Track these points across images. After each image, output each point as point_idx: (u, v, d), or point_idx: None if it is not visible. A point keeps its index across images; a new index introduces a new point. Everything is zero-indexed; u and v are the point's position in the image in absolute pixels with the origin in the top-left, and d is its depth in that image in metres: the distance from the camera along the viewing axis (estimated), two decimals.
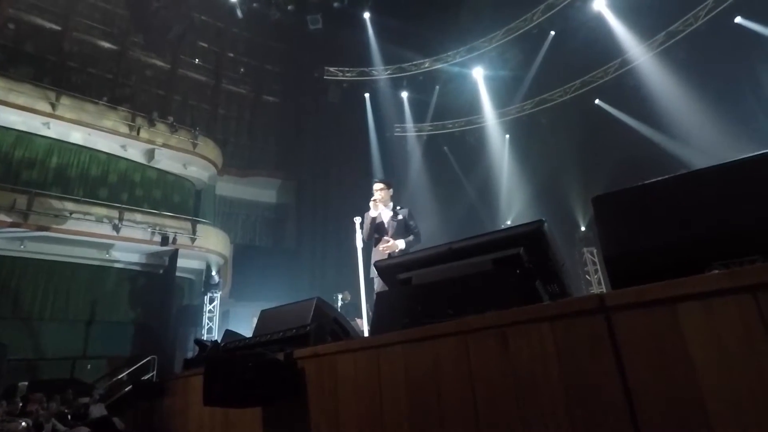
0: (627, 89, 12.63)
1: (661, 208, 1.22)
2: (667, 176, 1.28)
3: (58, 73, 13.75)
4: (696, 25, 11.25)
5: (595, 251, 12.12)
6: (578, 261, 12.17)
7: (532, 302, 1.47)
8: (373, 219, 4.13)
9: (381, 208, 4.14)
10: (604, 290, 11.42)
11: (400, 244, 3.95)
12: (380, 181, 4.25)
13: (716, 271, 0.94)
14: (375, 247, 4.12)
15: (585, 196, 13.07)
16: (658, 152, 11.69)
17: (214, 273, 13.67)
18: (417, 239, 4.05)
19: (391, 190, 4.25)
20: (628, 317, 0.89)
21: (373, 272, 3.99)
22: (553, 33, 13.32)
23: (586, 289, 11.74)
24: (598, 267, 12.04)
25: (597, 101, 13.46)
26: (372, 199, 4.16)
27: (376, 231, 4.11)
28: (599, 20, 12.54)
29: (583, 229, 12.67)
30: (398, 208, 4.20)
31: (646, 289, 0.87)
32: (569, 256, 11.92)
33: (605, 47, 12.74)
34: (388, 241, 3.97)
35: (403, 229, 4.08)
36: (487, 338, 1.09)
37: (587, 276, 11.98)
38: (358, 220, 4.59)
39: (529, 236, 1.74)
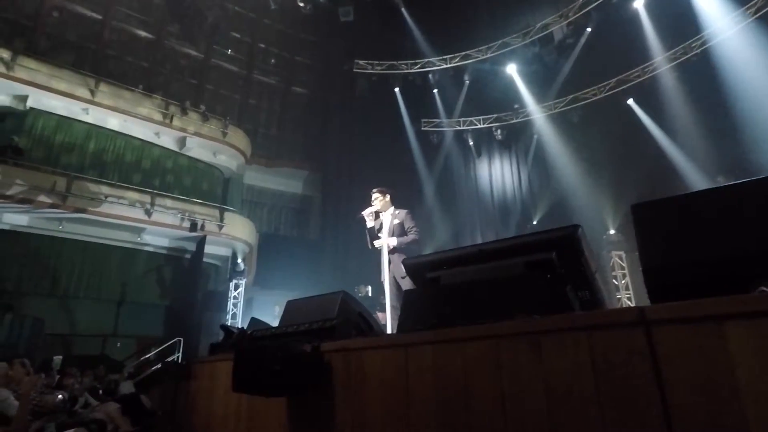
0: (664, 90, 12.15)
1: (705, 220, 1.17)
2: (712, 186, 1.24)
3: (98, 60, 14.22)
4: (743, 24, 10.70)
5: (623, 255, 11.79)
6: (606, 265, 11.87)
7: (562, 308, 1.45)
8: (371, 228, 4.42)
9: (382, 214, 4.44)
10: (632, 295, 11.18)
11: (392, 241, 4.20)
12: (376, 191, 4.52)
13: (764, 288, 0.91)
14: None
15: (615, 199, 12.69)
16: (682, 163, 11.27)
17: (239, 260, 13.95)
18: (413, 238, 4.27)
19: (387, 196, 4.50)
20: (670, 332, 0.86)
21: (383, 276, 4.27)
22: (589, 29, 12.92)
23: (614, 294, 11.46)
24: (626, 271, 11.72)
25: (630, 101, 13.01)
26: (370, 212, 4.41)
27: (379, 233, 4.38)
28: (638, 18, 12.09)
29: (612, 232, 12.33)
30: (396, 212, 4.41)
31: (691, 305, 0.85)
32: (597, 259, 11.64)
33: (643, 46, 12.28)
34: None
35: (399, 230, 4.30)
36: (519, 344, 1.09)
37: (615, 280, 11.67)
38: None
39: (563, 241, 1.71)
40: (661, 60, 12.18)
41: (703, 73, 11.21)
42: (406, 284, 4.04)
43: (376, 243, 4.34)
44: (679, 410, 0.82)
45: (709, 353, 0.80)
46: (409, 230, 4.30)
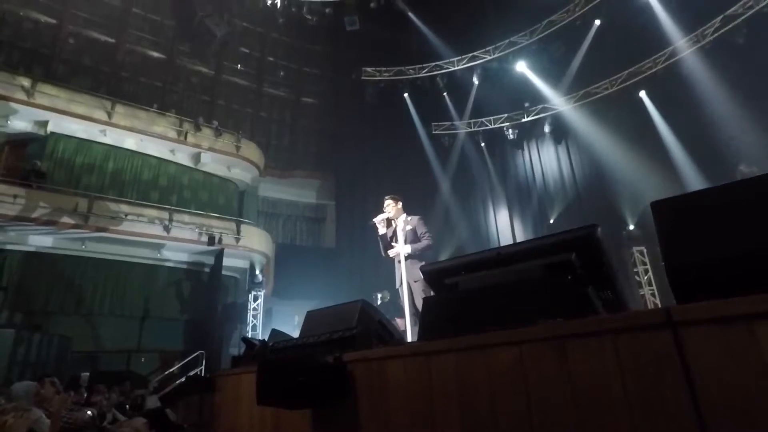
0: (677, 80, 11.92)
1: (729, 214, 1.14)
2: (736, 180, 1.20)
3: (113, 83, 14.62)
4: (758, 7, 10.45)
5: (645, 250, 11.54)
6: (627, 261, 11.63)
7: (585, 310, 1.42)
8: (383, 236, 4.45)
9: (395, 221, 4.45)
10: (655, 291, 10.92)
11: (406, 249, 4.22)
12: (389, 198, 4.56)
13: None
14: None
15: (633, 192, 12.45)
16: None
17: (257, 272, 14.08)
18: (427, 243, 4.29)
19: (400, 203, 4.54)
20: (699, 333, 0.84)
21: (398, 282, 4.31)
22: (597, 23, 12.78)
23: (636, 290, 11.21)
24: (648, 267, 11.47)
25: (642, 93, 12.78)
26: (382, 218, 4.45)
27: (392, 241, 4.41)
28: (648, 7, 11.90)
29: (631, 227, 12.08)
30: (408, 218, 4.42)
31: (719, 304, 0.83)
32: (617, 255, 11.40)
33: (654, 36, 12.07)
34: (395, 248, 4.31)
35: (413, 236, 4.33)
36: (543, 350, 1.07)
37: (636, 276, 11.43)
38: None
39: (582, 241, 1.68)
40: (676, 47, 11.94)
41: (720, 58, 10.97)
42: (418, 288, 4.07)
43: (391, 252, 4.37)
44: (712, 413, 0.80)
45: (740, 354, 0.78)
46: (422, 236, 4.33)
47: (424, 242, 4.30)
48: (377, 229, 4.50)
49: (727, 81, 10.68)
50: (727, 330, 0.81)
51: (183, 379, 10.29)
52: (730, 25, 10.91)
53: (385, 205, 4.55)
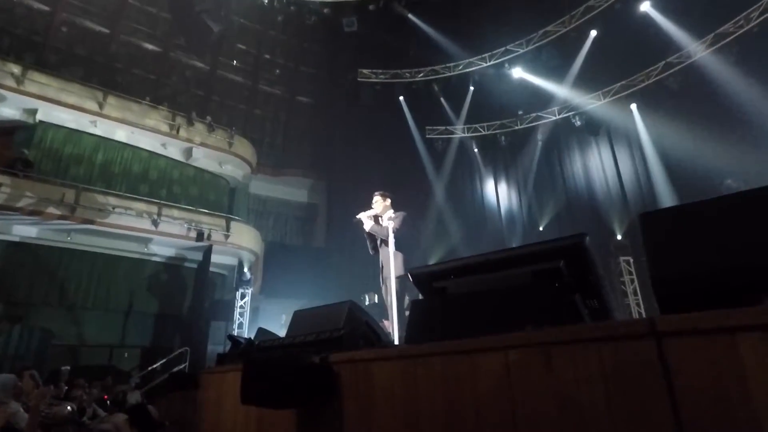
0: (670, 93, 12.11)
1: (716, 228, 1.16)
2: (725, 194, 1.22)
3: (106, 73, 14.44)
4: (748, 26, 10.67)
5: (631, 260, 11.68)
6: (614, 270, 11.77)
7: (571, 318, 1.44)
8: (370, 234, 4.45)
9: (381, 218, 4.44)
10: (640, 300, 11.05)
11: (387, 229, 4.23)
12: (378, 194, 4.57)
13: None
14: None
15: (622, 203, 12.63)
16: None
17: (245, 269, 13.98)
18: (396, 227, 4.22)
19: (388, 200, 4.52)
20: (682, 344, 0.86)
21: (381, 279, 4.33)
22: (593, 34, 12.92)
23: (622, 299, 11.35)
24: (635, 276, 11.61)
25: (632, 106, 12.96)
26: (368, 215, 4.43)
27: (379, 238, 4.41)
28: (642, 22, 12.08)
29: (619, 237, 12.24)
30: (394, 214, 4.39)
31: (702, 316, 0.84)
32: (605, 264, 11.52)
33: (648, 50, 12.26)
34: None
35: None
36: (529, 356, 1.08)
37: (623, 286, 11.56)
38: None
39: (570, 250, 1.70)
40: (668, 62, 12.13)
41: (711, 74, 11.16)
42: (393, 288, 4.08)
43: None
44: (691, 424, 0.81)
45: (721, 366, 0.79)
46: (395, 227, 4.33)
47: (394, 225, 4.22)
48: (363, 224, 4.46)
49: (720, 95, 10.86)
50: (709, 342, 0.82)
51: (166, 376, 10.18)
52: (721, 43, 11.12)
53: (373, 201, 4.53)
